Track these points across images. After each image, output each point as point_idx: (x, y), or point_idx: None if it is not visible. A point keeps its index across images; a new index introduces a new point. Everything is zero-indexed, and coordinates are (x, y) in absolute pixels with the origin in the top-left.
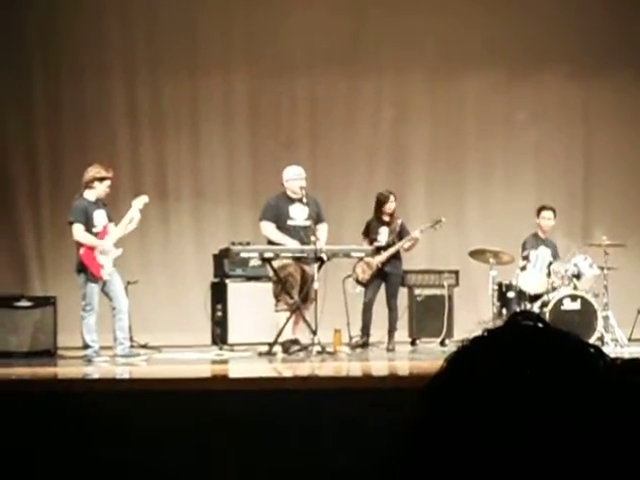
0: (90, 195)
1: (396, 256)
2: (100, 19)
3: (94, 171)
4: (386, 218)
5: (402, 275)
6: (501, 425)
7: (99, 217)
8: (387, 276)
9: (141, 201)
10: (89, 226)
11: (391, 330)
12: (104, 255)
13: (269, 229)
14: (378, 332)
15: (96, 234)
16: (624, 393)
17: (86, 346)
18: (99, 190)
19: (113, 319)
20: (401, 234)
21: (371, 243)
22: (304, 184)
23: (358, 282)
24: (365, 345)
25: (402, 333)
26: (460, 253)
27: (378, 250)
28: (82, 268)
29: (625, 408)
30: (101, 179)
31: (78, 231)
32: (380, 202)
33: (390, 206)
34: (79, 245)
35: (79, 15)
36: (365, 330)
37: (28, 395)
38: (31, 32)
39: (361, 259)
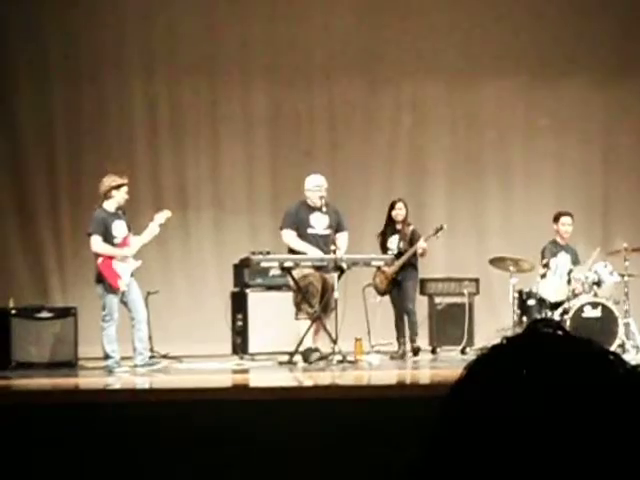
0: (109, 205)
1: (410, 263)
2: (120, 27)
3: (109, 180)
4: (398, 226)
5: (417, 281)
6: (522, 433)
7: (119, 228)
8: (400, 284)
9: (163, 216)
10: (109, 237)
11: (411, 335)
12: (123, 264)
13: (290, 237)
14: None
15: (116, 245)
16: None
17: (107, 356)
18: (118, 198)
19: (132, 329)
20: (412, 241)
21: (385, 253)
22: (324, 194)
23: (379, 292)
24: (404, 355)
25: (422, 341)
26: (480, 261)
27: (395, 259)
28: (100, 279)
29: None
30: (118, 187)
31: (96, 242)
32: (389, 209)
33: (397, 213)
34: (97, 256)
35: (98, 23)
36: (402, 339)
37: (49, 406)
38: (50, 40)
39: (379, 268)
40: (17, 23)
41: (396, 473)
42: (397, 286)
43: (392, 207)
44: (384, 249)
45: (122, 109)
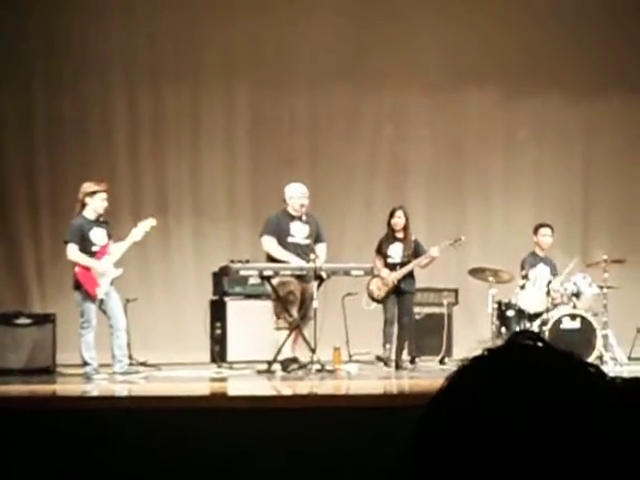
0: (88, 213)
1: (410, 274)
2: (102, 35)
3: (85, 187)
4: (399, 234)
5: (415, 293)
6: (502, 445)
7: (97, 235)
8: (402, 294)
9: (148, 224)
10: (86, 245)
11: (400, 347)
12: (101, 274)
13: (270, 244)
14: (375, 349)
15: (94, 253)
16: (624, 413)
17: (85, 363)
18: (94, 205)
19: (111, 337)
20: (417, 251)
21: (384, 260)
22: (306, 202)
23: (373, 299)
24: (390, 360)
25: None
26: (459, 271)
27: (393, 267)
28: (78, 285)
29: (625, 428)
30: (92, 193)
31: (72, 251)
32: (389, 216)
33: (397, 221)
34: (75, 263)
35: (80, 28)
36: (388, 346)
37: (27, 412)
38: (31, 45)
39: (376, 276)
40: (0, 30)
41: None
42: (397, 295)
43: (392, 215)
44: (382, 256)
45: (103, 117)
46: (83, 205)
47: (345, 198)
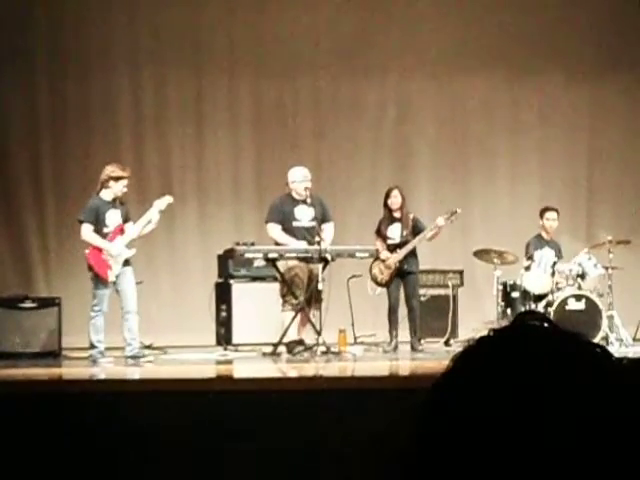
0: (106, 194)
1: (413, 254)
2: (105, 20)
3: (109, 170)
4: (396, 214)
5: (419, 273)
6: (507, 425)
7: (112, 217)
8: (405, 275)
9: (164, 202)
10: (100, 226)
11: (414, 329)
12: (114, 257)
13: (275, 231)
14: (380, 331)
15: (107, 234)
16: (630, 393)
17: (92, 346)
18: (115, 189)
19: (121, 319)
20: (416, 229)
21: (384, 241)
22: (309, 185)
23: (378, 283)
24: (396, 348)
25: (406, 333)
26: (464, 253)
27: (393, 248)
28: (90, 268)
29: (631, 408)
30: (117, 178)
31: (85, 231)
32: (385, 196)
33: (394, 201)
34: (86, 244)
35: (85, 14)
36: (394, 332)
37: (33, 396)
38: (36, 30)
39: (376, 259)
40: (2, 19)
41: (380, 464)
42: (401, 277)
43: (387, 195)
44: (382, 238)
45: (107, 101)
46: (102, 187)
47: (349, 181)
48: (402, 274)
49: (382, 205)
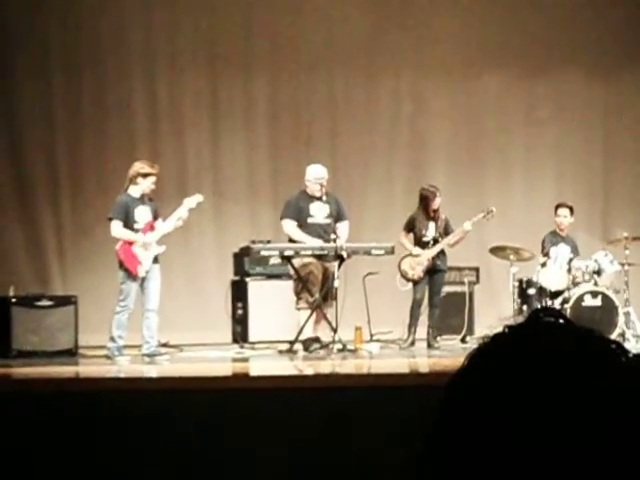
0: (134, 191)
1: (443, 252)
2: (120, 16)
3: (138, 166)
4: (432, 214)
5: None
6: (523, 422)
7: (142, 213)
8: (435, 273)
9: (194, 200)
10: (130, 222)
11: (433, 327)
12: (144, 250)
13: (290, 227)
14: (397, 329)
15: (137, 231)
16: None
17: (112, 339)
18: (143, 186)
19: (142, 317)
20: (446, 230)
21: (417, 238)
22: (324, 184)
23: (408, 279)
24: (413, 344)
25: (422, 330)
26: (480, 250)
27: (425, 246)
28: (122, 264)
29: None
30: (145, 175)
31: (115, 227)
32: (428, 198)
33: (437, 201)
34: (117, 241)
35: (99, 12)
36: (413, 328)
37: (49, 394)
38: (51, 33)
39: (407, 255)
40: (18, 14)
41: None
42: (431, 274)
43: (433, 197)
44: (413, 235)
45: (122, 99)
46: (130, 183)
47: (365, 177)
48: (432, 271)
49: (404, 202)
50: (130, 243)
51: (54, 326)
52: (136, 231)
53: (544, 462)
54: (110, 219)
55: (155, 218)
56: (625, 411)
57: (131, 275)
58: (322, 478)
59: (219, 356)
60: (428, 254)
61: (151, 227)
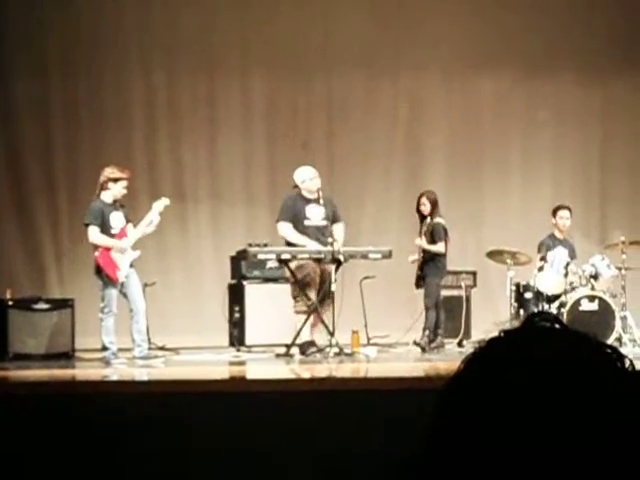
0: (106, 197)
1: (430, 258)
2: (118, 18)
3: (108, 172)
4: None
5: (439, 277)
6: (518, 427)
7: (116, 219)
8: (424, 279)
9: (161, 204)
10: (106, 228)
11: (425, 330)
12: (121, 255)
13: (286, 230)
14: (395, 332)
15: (113, 236)
16: None
17: (104, 347)
18: (114, 191)
19: (131, 321)
20: (432, 235)
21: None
22: (320, 184)
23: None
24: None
25: (419, 334)
26: (477, 254)
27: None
28: (99, 270)
29: None
30: (115, 180)
31: (93, 233)
32: (437, 202)
33: (422, 208)
34: (95, 247)
35: (98, 15)
36: (426, 332)
37: (46, 397)
38: (49, 32)
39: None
40: (16, 15)
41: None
42: (422, 280)
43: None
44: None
45: (119, 101)
46: (102, 189)
47: (363, 181)
48: (423, 278)
49: (401, 205)
50: (108, 249)
51: (51, 329)
52: (112, 236)
53: (539, 466)
54: (87, 225)
55: (126, 223)
56: (621, 416)
57: (111, 281)
58: None
59: (216, 359)
60: (412, 259)
61: (124, 233)
